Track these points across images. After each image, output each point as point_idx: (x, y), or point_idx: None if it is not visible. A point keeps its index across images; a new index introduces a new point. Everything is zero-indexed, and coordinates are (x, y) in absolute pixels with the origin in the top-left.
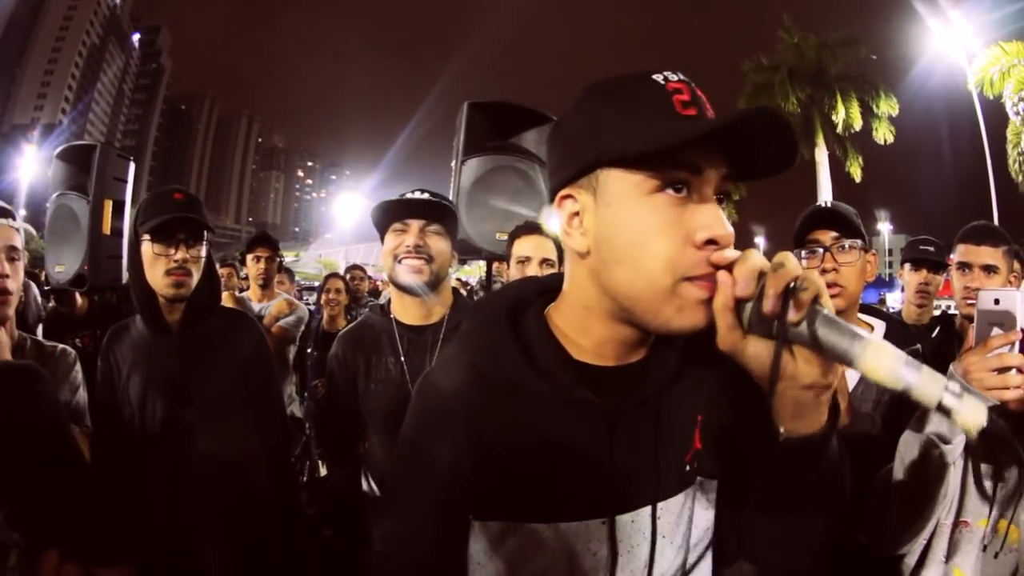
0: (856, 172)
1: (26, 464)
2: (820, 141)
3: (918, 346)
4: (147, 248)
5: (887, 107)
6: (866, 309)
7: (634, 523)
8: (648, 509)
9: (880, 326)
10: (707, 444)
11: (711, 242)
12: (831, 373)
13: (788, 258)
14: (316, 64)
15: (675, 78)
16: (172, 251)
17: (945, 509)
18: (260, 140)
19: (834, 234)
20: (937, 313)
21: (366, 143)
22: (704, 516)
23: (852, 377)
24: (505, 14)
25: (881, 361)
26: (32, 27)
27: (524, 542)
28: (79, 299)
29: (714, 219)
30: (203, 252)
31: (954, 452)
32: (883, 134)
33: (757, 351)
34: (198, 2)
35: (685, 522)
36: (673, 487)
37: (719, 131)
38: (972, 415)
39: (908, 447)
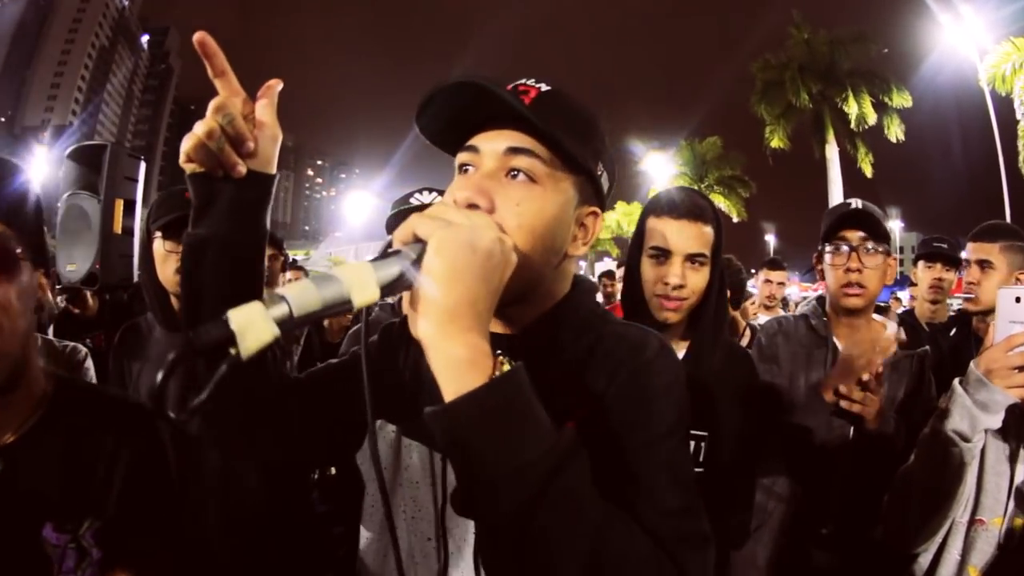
0: (867, 168)
1: (131, 496)
2: (831, 138)
3: (927, 348)
4: (159, 245)
5: (900, 100)
6: (878, 310)
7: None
8: None
9: (892, 327)
10: None
11: (471, 206)
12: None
13: None
14: (325, 63)
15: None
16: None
17: (961, 508)
18: None
19: (862, 234)
20: (952, 312)
21: (376, 141)
22: None
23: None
24: (512, 11)
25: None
26: (42, 29)
27: (405, 456)
28: (90, 298)
29: (458, 186)
30: None
31: (973, 450)
32: (895, 131)
33: None
34: (206, 3)
35: None
36: None
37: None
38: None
39: (927, 445)
